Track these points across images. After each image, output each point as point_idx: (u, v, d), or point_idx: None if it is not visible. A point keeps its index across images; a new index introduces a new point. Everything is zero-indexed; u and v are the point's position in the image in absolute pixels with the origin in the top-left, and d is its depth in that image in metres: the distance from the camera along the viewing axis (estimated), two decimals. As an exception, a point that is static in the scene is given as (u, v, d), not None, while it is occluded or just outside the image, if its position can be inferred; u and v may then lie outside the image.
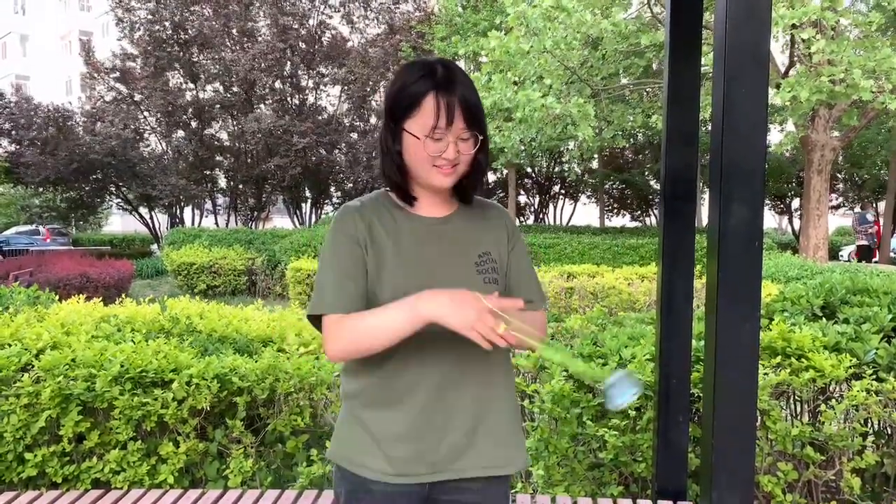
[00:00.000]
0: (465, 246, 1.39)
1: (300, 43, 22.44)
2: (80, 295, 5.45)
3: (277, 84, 23.08)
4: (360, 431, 1.37)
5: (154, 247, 23.63)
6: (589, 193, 28.78)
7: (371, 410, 1.36)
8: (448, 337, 1.23)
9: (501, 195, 25.53)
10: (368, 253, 1.34)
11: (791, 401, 2.92)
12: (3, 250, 18.91)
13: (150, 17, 21.87)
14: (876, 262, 16.90)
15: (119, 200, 23.40)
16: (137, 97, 23.09)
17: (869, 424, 2.82)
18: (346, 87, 23.23)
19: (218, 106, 22.74)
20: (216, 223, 25.04)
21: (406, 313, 1.22)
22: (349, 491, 1.38)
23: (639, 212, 27.96)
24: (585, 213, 31.16)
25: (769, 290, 5.77)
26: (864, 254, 16.83)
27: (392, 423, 1.34)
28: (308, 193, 25.19)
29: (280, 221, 31.96)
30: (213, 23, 21.95)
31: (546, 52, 11.20)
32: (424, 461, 1.33)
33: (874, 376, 2.69)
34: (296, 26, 22.08)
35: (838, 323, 3.31)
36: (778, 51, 14.60)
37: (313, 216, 25.52)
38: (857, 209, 19.74)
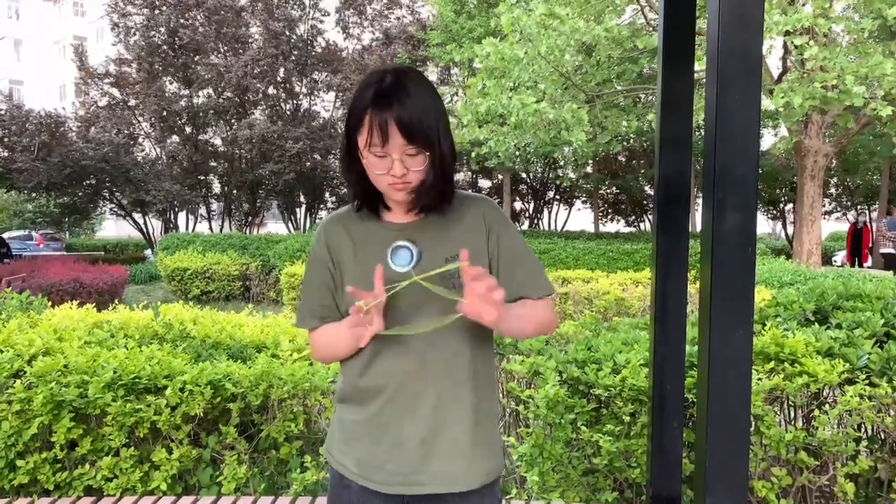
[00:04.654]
0: (431, 250, 1.35)
1: (292, 49, 22.45)
2: (73, 301, 5.42)
3: (271, 90, 23.09)
4: (338, 429, 1.45)
5: (148, 252, 23.54)
6: (583, 199, 28.87)
7: (344, 411, 1.43)
8: (412, 344, 1.32)
9: (497, 200, 25.56)
10: (336, 265, 1.40)
11: (785, 406, 2.93)
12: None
13: (145, 22, 21.86)
14: (869, 266, 16.94)
15: (113, 206, 23.32)
16: (132, 102, 23.05)
17: (862, 429, 2.83)
18: (340, 94, 23.26)
19: (212, 111, 22.72)
20: (210, 228, 24.98)
21: (344, 328, 1.29)
22: (332, 484, 1.45)
23: (633, 217, 28.04)
24: (580, 218, 31.25)
25: (762, 296, 5.79)
26: (891, 262, 14.70)
27: (356, 425, 1.39)
28: (302, 199, 25.16)
29: (274, 227, 31.90)
30: (206, 28, 21.96)
31: (541, 58, 11.24)
32: (384, 469, 1.35)
33: (867, 381, 2.70)
34: (287, 33, 22.07)
35: (831, 328, 3.31)
36: (771, 57, 14.68)
37: (308, 221, 25.50)
38: (883, 215, 18.07)
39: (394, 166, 1.24)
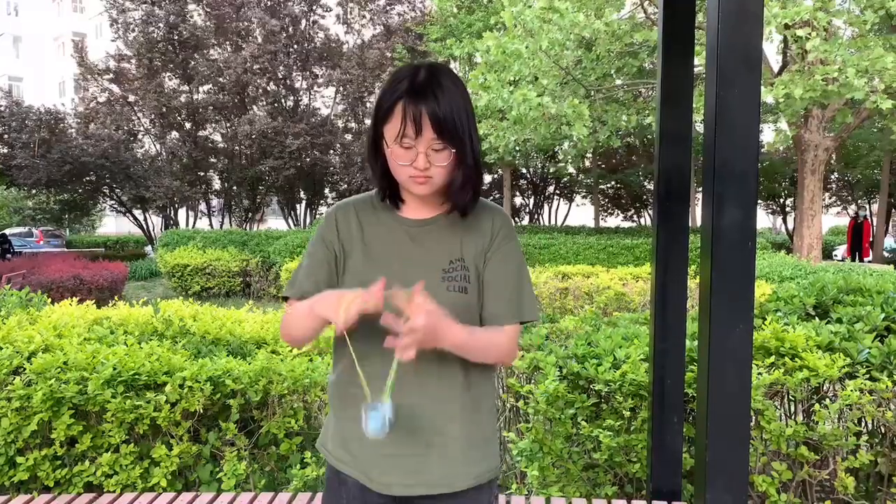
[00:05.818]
0: (437, 251, 1.35)
1: (292, 45, 22.41)
2: (73, 297, 5.42)
3: (271, 86, 23.07)
4: (333, 425, 1.44)
5: (148, 248, 23.54)
6: (584, 194, 28.85)
7: (337, 408, 1.43)
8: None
9: (497, 195, 25.56)
10: (341, 251, 1.38)
11: (785, 400, 2.92)
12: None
13: (144, 18, 21.82)
14: (869, 261, 16.93)
15: (113, 202, 23.33)
16: (131, 98, 23.03)
17: (863, 424, 2.83)
18: (340, 89, 23.23)
19: (211, 107, 22.70)
20: (210, 225, 24.98)
21: (307, 306, 1.26)
22: (328, 477, 1.44)
23: (633, 212, 28.03)
24: (580, 213, 31.24)
25: (763, 290, 5.79)
26: None
27: (349, 422, 1.36)
28: (302, 195, 25.16)
29: (274, 223, 31.92)
30: (206, 24, 21.93)
31: (542, 53, 11.22)
32: (378, 467, 1.35)
33: (867, 376, 2.70)
34: (288, 27, 22.03)
35: (831, 322, 3.31)
36: (771, 50, 14.65)
37: (308, 217, 25.50)
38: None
39: (418, 159, 1.25)
